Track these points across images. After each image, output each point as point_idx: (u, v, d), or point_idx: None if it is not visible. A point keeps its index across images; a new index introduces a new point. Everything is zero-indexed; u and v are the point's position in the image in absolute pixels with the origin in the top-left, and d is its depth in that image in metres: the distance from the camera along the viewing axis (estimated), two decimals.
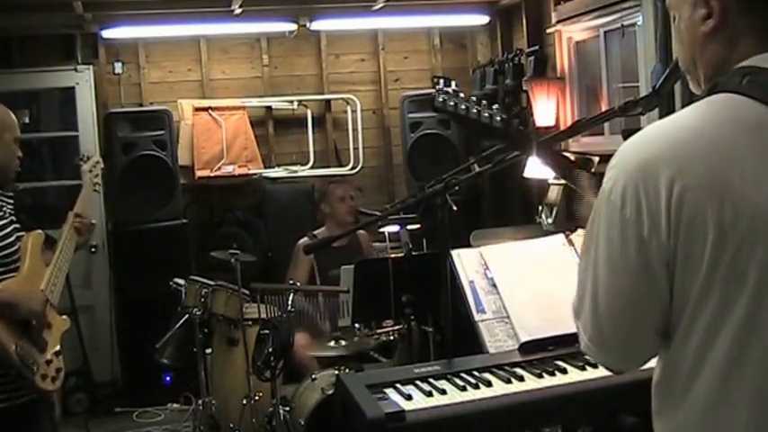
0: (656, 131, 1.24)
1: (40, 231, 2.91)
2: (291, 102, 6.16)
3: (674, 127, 1.23)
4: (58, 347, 2.82)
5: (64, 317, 2.92)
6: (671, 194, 1.15)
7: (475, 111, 1.66)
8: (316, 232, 4.73)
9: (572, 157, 1.66)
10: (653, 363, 1.30)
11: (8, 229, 2.78)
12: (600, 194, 1.26)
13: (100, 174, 3.22)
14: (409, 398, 1.99)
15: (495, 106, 1.68)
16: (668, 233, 1.16)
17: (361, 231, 4.82)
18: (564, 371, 2.15)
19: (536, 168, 4.13)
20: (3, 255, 2.73)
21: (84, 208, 3.05)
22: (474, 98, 1.69)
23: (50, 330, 2.79)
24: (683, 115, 1.25)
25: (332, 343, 3.89)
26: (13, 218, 2.85)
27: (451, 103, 1.67)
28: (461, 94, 1.70)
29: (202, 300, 4.06)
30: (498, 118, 1.66)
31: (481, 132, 1.76)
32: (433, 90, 1.72)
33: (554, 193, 4.66)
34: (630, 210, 1.19)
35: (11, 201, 2.89)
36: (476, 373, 2.14)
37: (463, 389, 2.05)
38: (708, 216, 1.13)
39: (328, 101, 6.29)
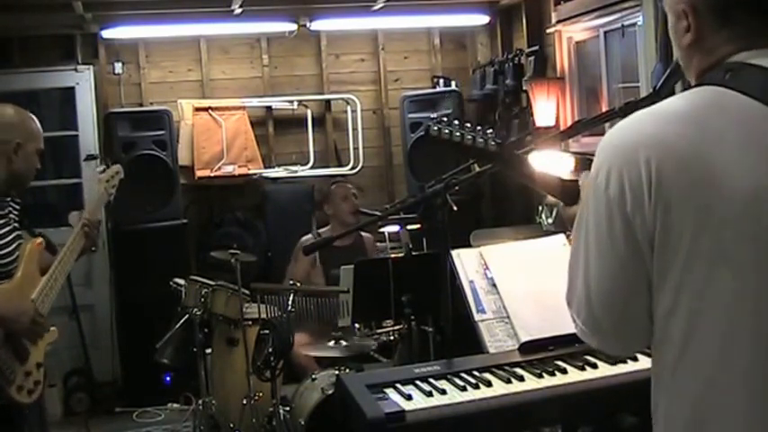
0: (637, 117, 1.27)
1: (40, 239, 2.86)
2: (291, 102, 6.16)
3: (655, 112, 1.26)
4: (40, 359, 2.74)
5: (52, 328, 2.83)
6: (650, 172, 1.17)
7: (470, 137, 1.68)
8: (320, 231, 4.75)
9: (570, 177, 1.68)
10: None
11: (9, 237, 2.74)
12: (588, 179, 1.29)
13: (117, 184, 3.17)
14: (409, 398, 1.99)
15: (489, 131, 1.70)
16: (650, 209, 1.18)
17: (368, 234, 4.83)
18: (564, 371, 2.15)
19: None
20: (1, 263, 2.68)
21: (96, 213, 3.02)
22: (468, 124, 1.72)
23: (35, 342, 2.72)
24: (665, 103, 1.28)
25: (332, 343, 3.89)
26: (16, 224, 2.81)
27: (446, 131, 1.69)
28: (456, 122, 1.72)
29: (202, 300, 4.06)
30: (493, 143, 1.67)
31: (477, 158, 1.78)
32: (430, 120, 1.76)
33: None
34: (614, 189, 1.21)
35: (17, 207, 2.86)
36: (476, 373, 2.14)
37: (463, 389, 2.05)
38: (687, 196, 1.16)
39: (328, 101, 6.29)
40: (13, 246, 2.74)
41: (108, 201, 3.13)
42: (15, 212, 2.84)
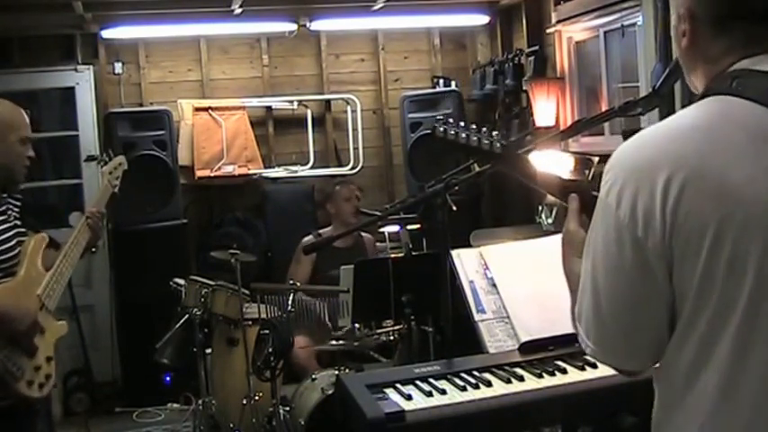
0: (651, 133, 1.26)
1: (43, 235, 2.82)
2: (291, 102, 6.16)
3: (669, 128, 1.24)
4: (50, 353, 2.71)
5: (61, 322, 2.82)
6: (667, 194, 1.16)
7: (475, 139, 1.68)
8: (321, 231, 4.75)
9: (572, 175, 1.67)
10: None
11: (9, 234, 2.70)
12: (599, 198, 1.27)
13: (121, 176, 3.14)
14: (409, 398, 1.99)
15: (494, 132, 1.70)
16: (663, 233, 1.16)
17: (368, 235, 4.84)
18: (564, 371, 2.15)
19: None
20: (1, 259, 2.65)
21: (101, 206, 2.99)
22: (474, 126, 1.72)
23: (43, 336, 2.69)
24: (677, 117, 1.27)
25: (332, 342, 3.90)
26: (17, 222, 2.77)
27: (452, 133, 1.69)
28: (461, 123, 1.72)
29: (202, 300, 4.06)
30: (498, 144, 1.67)
31: (481, 159, 1.78)
32: (434, 122, 1.75)
33: None
34: (625, 210, 1.20)
35: (17, 204, 2.82)
36: (476, 373, 2.14)
37: (463, 389, 2.05)
38: (705, 214, 1.14)
39: (328, 101, 6.29)
40: (13, 242, 2.71)
41: (113, 193, 3.09)
42: (16, 210, 2.81)
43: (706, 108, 1.24)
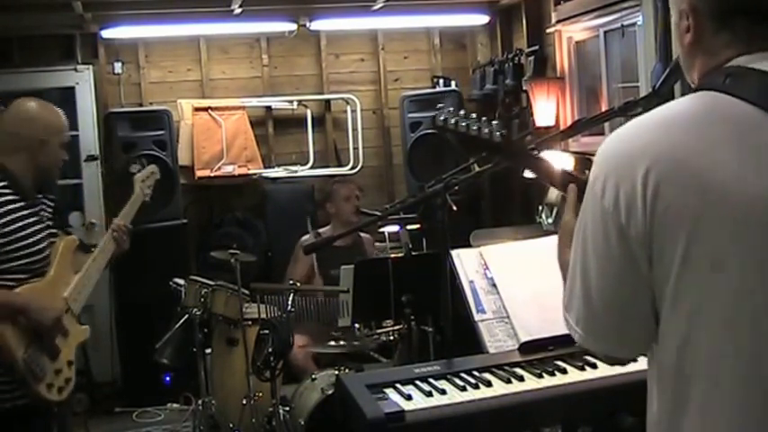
0: (635, 124, 1.26)
1: (74, 237, 2.87)
2: (291, 102, 6.16)
3: (653, 120, 1.25)
4: (71, 357, 2.74)
5: (84, 327, 2.85)
6: (646, 185, 1.16)
7: (475, 128, 1.68)
8: (320, 230, 4.74)
9: (573, 170, 1.67)
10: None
11: (41, 235, 2.72)
12: (587, 187, 1.28)
13: (153, 185, 3.18)
14: (409, 398, 1.99)
15: (494, 122, 1.70)
16: (644, 222, 1.17)
17: (366, 234, 4.83)
18: (564, 371, 2.15)
19: None
20: (31, 261, 2.67)
21: (129, 216, 3.03)
22: (474, 115, 1.71)
23: (66, 339, 2.72)
24: (663, 109, 1.26)
25: (332, 343, 3.90)
26: (49, 223, 2.80)
27: (452, 122, 1.69)
28: (462, 112, 1.72)
29: (202, 300, 4.06)
30: (498, 134, 1.67)
31: (482, 150, 1.77)
32: (434, 111, 1.75)
33: (554, 193, 4.65)
34: (609, 200, 1.20)
35: (51, 205, 2.86)
36: (476, 373, 2.14)
37: (463, 389, 2.05)
38: (685, 207, 1.14)
39: (328, 101, 6.29)
40: (44, 244, 2.73)
41: (144, 201, 3.15)
42: (49, 211, 2.83)
43: (694, 102, 1.24)
